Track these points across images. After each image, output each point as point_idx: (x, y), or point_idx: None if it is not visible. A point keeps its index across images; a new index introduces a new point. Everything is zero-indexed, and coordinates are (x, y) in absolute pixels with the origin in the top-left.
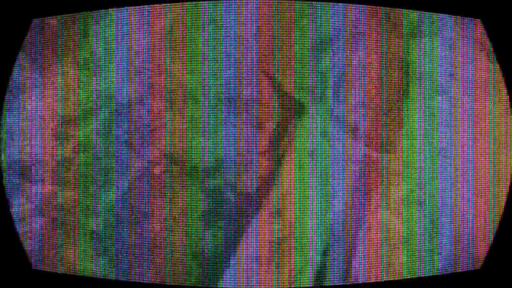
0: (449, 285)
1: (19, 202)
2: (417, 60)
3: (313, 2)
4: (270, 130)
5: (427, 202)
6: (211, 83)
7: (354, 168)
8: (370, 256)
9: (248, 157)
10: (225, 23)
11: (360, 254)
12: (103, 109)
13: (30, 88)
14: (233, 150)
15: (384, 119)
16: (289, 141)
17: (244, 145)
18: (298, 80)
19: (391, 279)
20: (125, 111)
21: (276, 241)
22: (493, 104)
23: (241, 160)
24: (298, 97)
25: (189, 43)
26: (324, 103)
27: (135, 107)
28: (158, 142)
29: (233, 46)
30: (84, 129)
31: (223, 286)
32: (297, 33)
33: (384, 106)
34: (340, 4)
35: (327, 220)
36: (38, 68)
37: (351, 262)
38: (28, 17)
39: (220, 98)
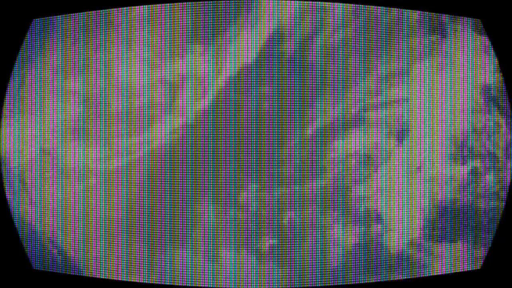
0: (449, 285)
1: (19, 202)
2: (417, 61)
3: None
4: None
5: (427, 200)
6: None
7: (354, 165)
8: (370, 256)
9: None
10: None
11: (361, 253)
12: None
13: (31, 88)
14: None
15: (383, 122)
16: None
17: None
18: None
19: (391, 279)
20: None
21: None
22: (493, 103)
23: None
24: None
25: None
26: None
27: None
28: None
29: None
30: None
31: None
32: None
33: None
34: (340, 4)
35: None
36: (38, 68)
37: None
38: (28, 17)
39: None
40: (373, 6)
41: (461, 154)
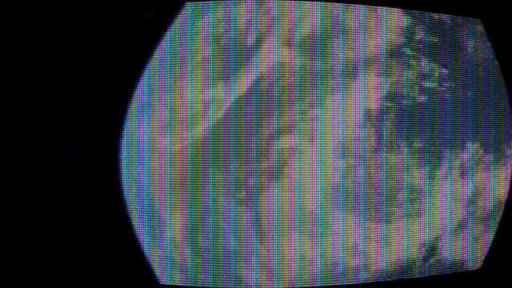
0: (449, 285)
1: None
2: (417, 60)
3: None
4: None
5: (427, 201)
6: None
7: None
8: (369, 255)
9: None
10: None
11: (360, 253)
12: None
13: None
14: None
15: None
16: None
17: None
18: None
19: (391, 279)
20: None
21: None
22: (493, 103)
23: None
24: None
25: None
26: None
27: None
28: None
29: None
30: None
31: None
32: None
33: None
34: (340, 4)
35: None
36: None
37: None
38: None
39: None
40: (373, 6)
41: (461, 153)
